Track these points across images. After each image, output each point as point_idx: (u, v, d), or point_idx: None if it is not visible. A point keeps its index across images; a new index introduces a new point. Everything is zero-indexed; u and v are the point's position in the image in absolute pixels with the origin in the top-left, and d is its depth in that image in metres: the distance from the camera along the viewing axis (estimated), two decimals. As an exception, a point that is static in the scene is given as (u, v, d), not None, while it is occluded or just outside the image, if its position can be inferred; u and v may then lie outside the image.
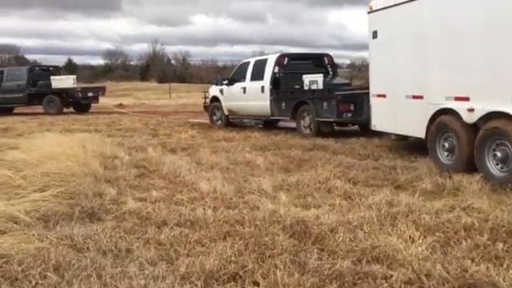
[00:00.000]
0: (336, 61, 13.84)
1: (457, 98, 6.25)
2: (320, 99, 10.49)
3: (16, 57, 57.44)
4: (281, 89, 11.90)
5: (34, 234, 3.96)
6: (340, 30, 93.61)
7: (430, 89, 6.78)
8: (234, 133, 11.86)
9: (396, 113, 7.60)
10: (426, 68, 6.87)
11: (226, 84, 13.55)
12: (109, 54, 64.91)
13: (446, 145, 6.52)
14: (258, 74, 12.45)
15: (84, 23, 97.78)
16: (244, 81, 12.93)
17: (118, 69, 61.55)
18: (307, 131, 10.81)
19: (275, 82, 11.97)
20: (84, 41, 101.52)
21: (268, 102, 11.99)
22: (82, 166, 6.64)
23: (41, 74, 19.83)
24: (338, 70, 14.51)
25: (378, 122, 8.22)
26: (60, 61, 63.33)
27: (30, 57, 56.51)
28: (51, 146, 8.10)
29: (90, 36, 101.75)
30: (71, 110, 19.05)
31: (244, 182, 6.08)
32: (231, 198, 5.28)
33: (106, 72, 59.00)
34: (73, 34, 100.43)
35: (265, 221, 4.32)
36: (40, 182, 5.57)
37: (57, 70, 21.01)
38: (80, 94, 18.75)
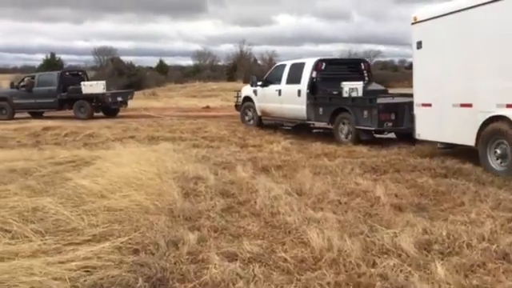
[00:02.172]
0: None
1: (509, 106, 6.36)
2: (360, 107, 10.18)
3: (112, 59, 60.10)
4: (318, 93, 11.70)
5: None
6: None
7: (479, 97, 6.84)
8: (335, 145, 10.10)
9: (443, 121, 7.62)
10: (474, 76, 6.91)
11: (261, 85, 13.61)
12: (198, 55, 65.87)
13: (498, 151, 6.65)
14: (294, 78, 12.33)
15: (172, 25, 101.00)
16: (279, 83, 12.82)
17: (206, 69, 62.08)
18: (345, 138, 10.55)
19: (312, 86, 11.78)
20: (174, 42, 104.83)
21: (304, 106, 11.80)
22: (157, 195, 5.31)
23: (71, 79, 19.90)
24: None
25: (422, 131, 8.21)
26: (152, 62, 65.44)
27: (124, 58, 58.76)
28: (128, 162, 6.98)
29: (179, 38, 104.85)
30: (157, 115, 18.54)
31: (369, 231, 4.35)
32: (359, 265, 3.59)
33: (194, 73, 59.74)
34: (163, 36, 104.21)
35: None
36: (101, 223, 4.29)
37: (85, 75, 21.14)
38: (110, 99, 18.77)
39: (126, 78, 52.77)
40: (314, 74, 11.83)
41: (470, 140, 6.98)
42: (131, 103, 28.71)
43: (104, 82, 20.35)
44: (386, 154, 8.79)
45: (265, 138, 11.79)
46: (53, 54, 60.29)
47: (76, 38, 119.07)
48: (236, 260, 3.77)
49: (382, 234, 4.20)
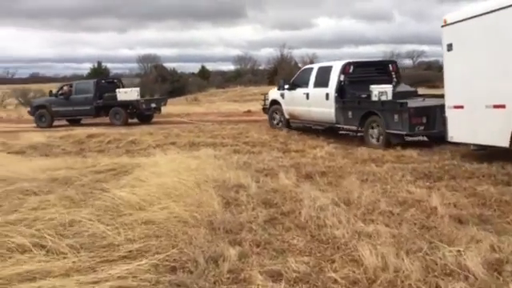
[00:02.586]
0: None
1: None
2: (390, 111, 9.93)
3: (155, 66, 61.27)
4: (346, 97, 11.55)
5: None
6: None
7: None
8: (381, 150, 9.59)
9: (475, 123, 7.56)
10: (507, 77, 6.84)
11: (288, 88, 13.65)
12: (238, 60, 66.11)
13: None
14: (322, 81, 12.25)
15: (213, 31, 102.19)
16: (307, 87, 12.81)
17: (247, 74, 62.15)
18: (376, 142, 10.32)
19: (340, 89, 11.66)
20: (215, 48, 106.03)
21: (333, 110, 11.70)
22: (196, 206, 5.07)
23: (106, 86, 20.16)
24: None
25: (455, 134, 8.13)
26: (194, 68, 66.24)
27: (167, 65, 59.80)
28: (167, 171, 6.80)
29: (220, 43, 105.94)
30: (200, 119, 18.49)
31: (429, 248, 3.91)
32: (420, 289, 3.18)
33: (236, 77, 59.95)
34: (204, 42, 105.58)
35: None
36: (138, 238, 4.07)
37: (120, 82, 21.35)
38: (144, 106, 18.96)
39: (169, 84, 53.71)
40: (342, 77, 11.73)
41: (503, 141, 6.94)
42: (173, 109, 29.09)
43: (138, 88, 20.61)
44: (439, 158, 8.21)
45: (307, 142, 11.40)
46: (99, 63, 62.21)
47: (121, 46, 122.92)
48: (281, 280, 3.46)
49: (443, 251, 3.76)
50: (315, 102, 12.38)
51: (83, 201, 5.39)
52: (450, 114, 8.19)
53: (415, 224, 4.65)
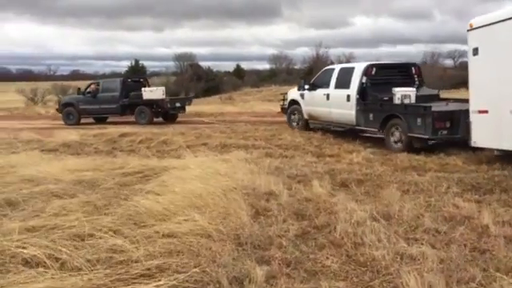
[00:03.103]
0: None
1: None
2: (413, 115, 9.77)
3: (191, 64, 61.66)
4: (368, 99, 11.43)
5: None
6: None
7: None
8: (423, 156, 9.01)
9: (500, 128, 7.53)
10: None
11: (308, 89, 13.59)
12: (274, 59, 65.65)
13: None
14: (343, 82, 12.15)
15: (248, 30, 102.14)
16: (328, 87, 12.72)
17: (282, 73, 61.65)
18: (397, 146, 10.14)
19: (362, 91, 11.52)
20: (250, 47, 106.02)
21: (354, 112, 11.58)
22: (223, 217, 4.73)
23: (132, 85, 20.13)
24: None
25: (479, 139, 8.09)
26: (230, 66, 66.40)
27: (203, 64, 60.12)
28: (195, 175, 6.51)
29: (255, 42, 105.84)
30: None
31: (483, 277, 3.42)
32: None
33: (271, 76, 59.58)
34: (239, 41, 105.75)
35: None
36: (158, 254, 3.76)
37: (146, 81, 21.39)
38: (168, 105, 18.93)
39: (205, 83, 53.96)
40: (364, 79, 11.60)
41: None
42: (206, 108, 28.99)
43: (163, 87, 20.51)
44: (487, 168, 7.60)
45: (343, 146, 10.90)
46: (136, 61, 63.24)
47: (157, 45, 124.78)
48: (313, 310, 3.06)
49: (501, 282, 3.27)
50: (336, 103, 12.30)
51: (106, 207, 5.14)
52: (474, 118, 8.15)
53: (465, 246, 4.16)
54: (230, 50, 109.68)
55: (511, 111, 7.23)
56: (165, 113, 19.41)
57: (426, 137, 9.42)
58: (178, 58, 64.00)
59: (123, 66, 67.52)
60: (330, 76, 12.76)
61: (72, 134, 14.10)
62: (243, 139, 12.41)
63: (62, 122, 19.95)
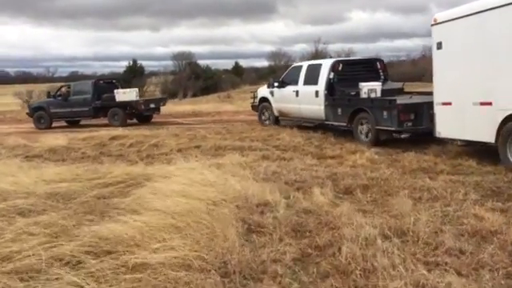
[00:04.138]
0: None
1: None
2: (380, 108, 10.11)
3: (189, 63, 60.89)
4: (336, 94, 11.84)
5: None
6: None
7: (499, 95, 7.06)
8: (433, 156, 8.31)
9: (463, 120, 7.79)
10: (494, 75, 7.09)
11: (277, 86, 13.90)
12: (272, 56, 64.81)
13: None
14: (311, 79, 12.48)
15: (244, 28, 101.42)
16: (296, 84, 13.03)
17: (281, 70, 60.83)
18: (365, 139, 10.50)
19: (330, 87, 11.91)
20: (248, 44, 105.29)
21: (322, 107, 11.95)
22: (209, 238, 4.03)
23: (105, 87, 19.78)
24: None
25: (443, 130, 8.37)
26: (228, 64, 65.76)
27: (201, 62, 59.41)
28: (182, 186, 5.82)
29: (252, 40, 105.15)
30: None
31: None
32: None
33: (269, 74, 58.80)
34: (237, 39, 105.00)
35: None
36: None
37: (119, 83, 21.14)
38: (142, 106, 18.62)
39: (203, 82, 53.26)
40: (332, 75, 11.94)
41: (489, 137, 7.22)
42: (205, 107, 28.28)
43: (136, 89, 20.37)
44: (506, 169, 6.88)
45: (345, 146, 10.19)
46: (134, 61, 62.41)
47: (155, 44, 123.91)
48: None
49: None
50: (305, 99, 12.61)
51: (76, 227, 4.44)
52: (438, 110, 8.40)
53: (497, 271, 3.45)
54: (228, 48, 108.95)
55: (473, 103, 7.47)
56: (139, 114, 19.10)
57: (393, 129, 9.75)
58: (176, 57, 63.22)
59: (122, 66, 66.64)
60: (299, 73, 13.07)
61: (59, 139, 13.38)
62: (239, 140, 11.71)
63: (56, 125, 19.40)
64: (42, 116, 19.50)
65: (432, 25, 8.41)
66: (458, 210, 5.00)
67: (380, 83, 11.59)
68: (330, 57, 60.87)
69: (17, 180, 6.77)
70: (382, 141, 10.19)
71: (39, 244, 3.90)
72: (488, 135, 7.23)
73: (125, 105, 18.49)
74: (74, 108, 19.07)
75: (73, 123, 19.92)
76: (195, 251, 3.67)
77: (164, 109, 21.07)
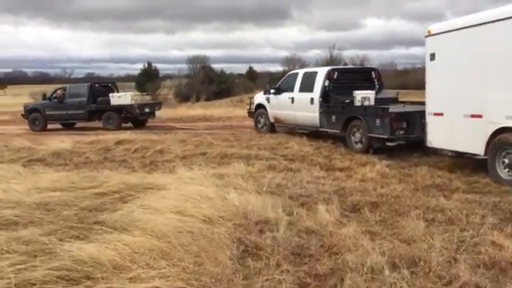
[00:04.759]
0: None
1: None
2: (373, 116, 10.30)
3: (203, 67, 60.83)
4: (330, 102, 12.03)
5: None
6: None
7: (489, 109, 7.13)
8: (447, 171, 7.86)
9: (453, 131, 7.88)
10: (485, 89, 7.19)
11: (273, 93, 14.05)
12: (287, 61, 64.42)
13: (506, 161, 6.98)
14: (307, 86, 12.64)
15: (258, 33, 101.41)
16: (292, 91, 13.18)
17: (294, 75, 60.37)
18: (358, 146, 10.67)
19: (325, 94, 12.09)
20: (262, 49, 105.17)
21: (317, 114, 12.10)
22: (198, 263, 3.66)
23: (100, 90, 19.87)
24: None
25: (434, 140, 8.43)
26: (242, 69, 65.68)
27: (216, 66, 59.35)
28: (179, 199, 5.48)
29: (267, 44, 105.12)
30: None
31: None
32: None
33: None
34: (251, 44, 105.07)
35: None
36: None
37: (115, 86, 21.23)
38: (137, 110, 18.63)
39: (216, 86, 53.12)
40: (327, 83, 12.13)
41: (479, 149, 7.31)
42: (217, 112, 27.98)
43: (132, 93, 20.61)
44: (526, 188, 6.41)
45: (355, 157, 9.77)
46: (149, 64, 62.56)
47: (170, 47, 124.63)
48: None
49: None
50: (300, 106, 12.78)
51: (50, 250, 4.07)
52: (430, 120, 8.47)
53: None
54: (242, 53, 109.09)
55: (464, 115, 7.54)
56: (134, 118, 19.14)
57: (385, 137, 9.86)
58: (191, 60, 63.20)
59: (137, 68, 66.90)
60: (295, 80, 13.24)
61: (65, 142, 13.18)
62: (246, 148, 11.34)
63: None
64: (36, 118, 19.51)
65: (426, 36, 8.52)
66: (474, 235, 4.57)
67: (373, 92, 11.77)
68: (345, 63, 60.47)
69: (9, 187, 6.50)
70: (389, 151, 9.96)
71: (12, 265, 3.57)
72: (478, 147, 7.32)
73: (120, 108, 18.54)
74: (69, 110, 19.11)
75: (68, 126, 19.89)
76: (181, 279, 3.31)
77: (175, 113, 20.91)
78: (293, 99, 13.12)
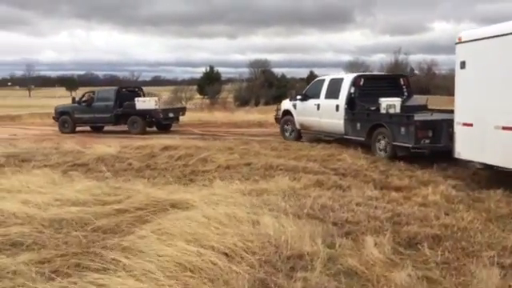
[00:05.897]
0: None
1: None
2: (398, 124, 10.10)
3: (264, 71, 60.62)
4: (356, 109, 11.84)
5: None
6: None
7: None
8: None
9: (483, 143, 7.58)
10: None
11: (300, 99, 13.90)
12: (350, 66, 62.66)
13: None
14: (332, 93, 12.57)
15: (321, 37, 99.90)
16: (318, 98, 13.10)
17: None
18: (382, 154, 10.44)
19: (350, 101, 11.94)
20: (324, 53, 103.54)
21: (342, 121, 11.99)
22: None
23: (127, 95, 20.04)
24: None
25: (462, 151, 8.09)
26: (304, 73, 64.79)
27: (277, 70, 58.94)
28: (199, 225, 4.76)
29: (329, 49, 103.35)
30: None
31: None
32: None
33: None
34: (313, 48, 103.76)
35: None
36: None
37: (141, 91, 21.54)
38: (161, 115, 18.89)
39: (276, 90, 52.65)
40: (353, 90, 11.96)
41: (509, 163, 7.00)
42: (271, 116, 27.28)
43: (156, 98, 20.84)
44: None
45: (416, 174, 8.61)
46: (211, 68, 63.38)
47: (232, 51, 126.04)
48: None
49: None
50: (325, 113, 12.69)
51: (47, 280, 3.50)
52: (458, 130, 8.21)
53: None
54: (304, 57, 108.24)
55: (495, 127, 7.26)
56: (158, 123, 19.30)
57: (410, 145, 9.58)
58: (253, 64, 63.48)
59: (200, 72, 68.06)
60: (321, 87, 13.12)
61: (112, 146, 12.97)
62: (294, 159, 10.47)
63: (118, 129, 19.53)
64: (66, 121, 20.00)
65: (456, 43, 8.20)
66: None
67: (399, 99, 11.55)
68: (411, 68, 57.76)
69: (30, 199, 6.10)
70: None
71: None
72: (508, 161, 7.02)
73: (144, 113, 18.77)
74: (96, 114, 19.51)
75: (96, 129, 20.33)
76: None
77: (230, 117, 20.55)
78: (318, 106, 13.01)
